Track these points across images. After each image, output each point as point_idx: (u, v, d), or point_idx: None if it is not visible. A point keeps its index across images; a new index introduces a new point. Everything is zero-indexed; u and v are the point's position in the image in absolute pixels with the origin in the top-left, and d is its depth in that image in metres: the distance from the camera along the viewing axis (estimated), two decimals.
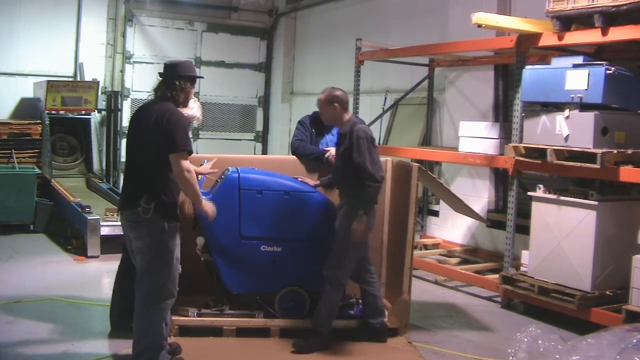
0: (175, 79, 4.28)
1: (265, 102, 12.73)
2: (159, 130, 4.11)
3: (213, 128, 12.27)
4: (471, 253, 7.90)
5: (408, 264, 5.23)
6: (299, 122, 5.62)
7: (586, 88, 5.40)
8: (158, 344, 4.19)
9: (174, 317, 4.81)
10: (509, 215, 6.26)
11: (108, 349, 4.77)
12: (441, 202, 8.08)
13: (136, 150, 4.33)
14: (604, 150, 5.24)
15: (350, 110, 5.05)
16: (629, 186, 5.56)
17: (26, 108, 10.20)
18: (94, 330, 5.17)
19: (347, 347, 4.91)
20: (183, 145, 4.10)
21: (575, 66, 5.52)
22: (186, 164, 4.13)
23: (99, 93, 10.11)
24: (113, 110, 10.38)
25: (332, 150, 5.32)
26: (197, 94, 10.70)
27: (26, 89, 10.32)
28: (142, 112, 4.36)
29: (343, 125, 4.88)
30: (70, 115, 10.04)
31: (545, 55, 6.53)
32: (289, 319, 5.06)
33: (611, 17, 5.25)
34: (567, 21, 5.61)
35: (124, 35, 11.29)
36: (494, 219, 7.54)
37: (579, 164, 5.35)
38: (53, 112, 9.74)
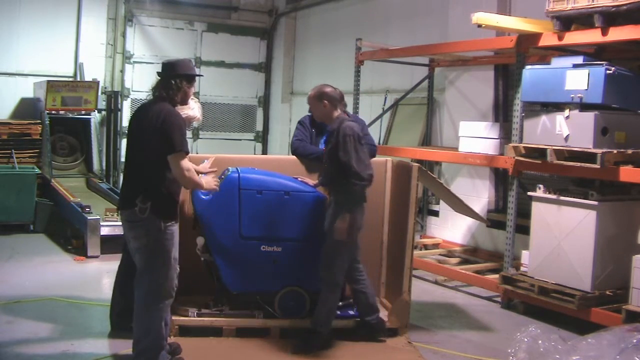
0: (172, 78, 4.27)
1: (265, 102, 12.73)
2: (155, 131, 4.11)
3: (213, 128, 12.27)
4: (471, 253, 7.89)
5: (408, 264, 5.22)
6: (299, 122, 5.62)
7: (586, 88, 5.40)
8: (158, 344, 4.19)
9: (174, 317, 4.81)
10: (509, 215, 6.26)
11: (108, 349, 4.77)
12: (441, 202, 8.08)
13: (134, 151, 4.34)
14: (604, 150, 5.24)
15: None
16: (629, 186, 5.56)
17: (26, 108, 10.20)
18: (94, 330, 5.16)
19: (347, 347, 4.90)
20: (180, 146, 4.10)
21: (575, 66, 5.52)
22: (185, 163, 4.13)
23: (99, 93, 10.11)
24: (113, 110, 10.37)
25: None
26: (197, 94, 10.73)
27: (26, 89, 10.32)
28: (140, 113, 4.36)
29: (332, 123, 4.86)
30: (70, 115, 10.04)
31: (545, 55, 6.53)
32: (289, 319, 5.07)
33: (611, 17, 5.25)
34: (567, 21, 5.61)
35: (124, 35, 11.29)
36: (494, 219, 7.54)
37: (579, 164, 5.35)
38: (53, 112, 9.74)
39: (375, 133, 8.56)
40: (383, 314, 5.28)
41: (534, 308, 5.88)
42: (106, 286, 6.27)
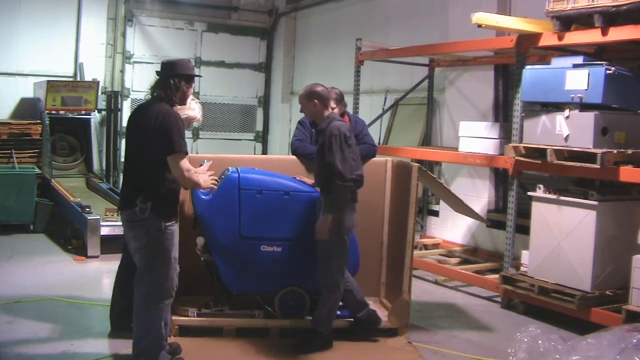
0: (170, 78, 4.27)
1: (265, 102, 12.73)
2: (155, 132, 4.11)
3: (213, 128, 12.27)
4: (471, 253, 7.89)
5: (408, 264, 5.23)
6: (299, 122, 5.61)
7: (586, 88, 5.40)
8: (158, 344, 4.19)
9: (174, 317, 4.81)
10: (509, 215, 6.26)
11: (108, 349, 4.77)
12: (441, 202, 8.08)
13: (133, 151, 4.34)
14: (604, 150, 5.24)
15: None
16: (629, 186, 5.56)
17: (26, 108, 10.20)
18: (94, 330, 5.16)
19: (347, 347, 4.90)
20: (179, 147, 4.10)
21: (575, 66, 5.52)
22: (185, 164, 4.14)
23: (99, 93, 10.12)
24: (113, 110, 10.38)
25: None
26: (197, 94, 10.76)
27: (26, 89, 10.33)
28: (138, 113, 4.37)
29: (323, 122, 4.84)
30: (70, 115, 10.04)
31: (545, 55, 6.53)
32: (289, 319, 5.07)
33: (611, 17, 5.25)
34: (567, 21, 5.61)
35: (124, 35, 11.29)
36: (494, 219, 7.54)
37: (579, 164, 5.35)
38: (53, 112, 9.74)
39: (375, 133, 8.56)
40: (383, 314, 5.28)
41: (534, 308, 5.88)
42: (106, 286, 6.27)
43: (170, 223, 4.19)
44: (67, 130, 10.14)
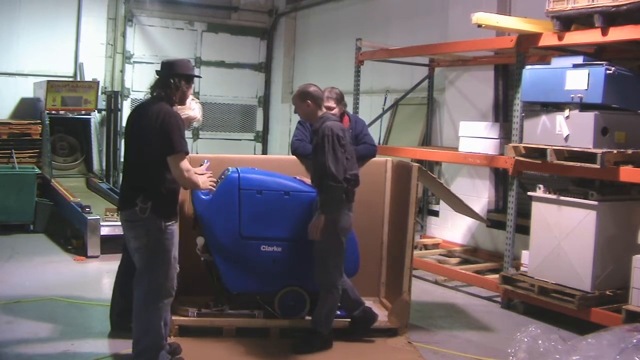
0: (170, 78, 4.27)
1: (265, 102, 12.73)
2: (154, 132, 4.11)
3: (213, 128, 12.27)
4: (471, 253, 7.89)
5: (408, 264, 5.22)
6: (299, 122, 5.61)
7: (586, 88, 5.40)
8: (158, 344, 4.19)
9: (174, 317, 4.81)
10: (509, 215, 6.26)
11: (108, 349, 4.77)
12: (441, 202, 8.08)
13: (133, 151, 4.34)
14: (604, 150, 5.24)
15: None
16: (629, 186, 5.56)
17: (26, 108, 10.21)
18: (94, 330, 5.17)
19: (347, 347, 4.90)
20: (180, 147, 4.10)
21: (575, 66, 5.52)
22: (185, 164, 4.14)
23: (99, 93, 10.12)
24: (113, 110, 10.37)
25: None
26: (197, 94, 10.76)
27: (26, 89, 10.33)
28: (138, 112, 4.36)
29: (317, 122, 4.82)
30: (70, 115, 10.04)
31: (545, 55, 6.53)
32: (289, 319, 5.07)
33: (611, 17, 5.25)
34: (567, 21, 5.61)
35: (124, 35, 11.29)
36: (494, 219, 7.54)
37: (579, 164, 5.35)
38: (53, 112, 9.74)
39: (375, 133, 8.56)
40: (383, 314, 5.28)
41: (534, 308, 5.88)
42: (106, 286, 6.26)
43: (170, 223, 4.19)
44: (67, 130, 10.14)
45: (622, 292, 5.37)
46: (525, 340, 4.13)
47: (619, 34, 5.23)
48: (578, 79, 5.46)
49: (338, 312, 5.00)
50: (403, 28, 9.38)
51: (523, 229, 6.43)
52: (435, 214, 8.62)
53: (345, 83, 8.35)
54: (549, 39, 5.81)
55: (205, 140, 12.11)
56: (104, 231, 7.56)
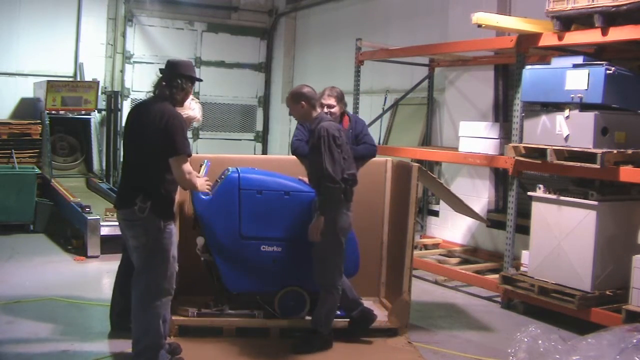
0: (178, 77, 4.27)
1: (265, 102, 12.73)
2: (157, 132, 4.11)
3: (213, 128, 12.27)
4: (471, 253, 7.89)
5: (408, 264, 5.22)
6: (299, 122, 5.60)
7: (586, 88, 5.40)
8: (157, 343, 4.20)
9: (174, 317, 4.81)
10: (509, 215, 6.26)
11: (108, 349, 4.77)
12: (441, 202, 8.08)
13: (133, 150, 4.34)
14: (604, 150, 5.24)
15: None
16: (629, 186, 5.56)
17: (26, 108, 10.21)
18: (94, 330, 5.17)
19: (347, 347, 4.90)
20: (182, 149, 4.10)
21: (575, 66, 5.52)
22: (187, 166, 4.15)
23: (99, 93, 10.12)
24: (113, 110, 10.38)
25: None
26: (197, 94, 10.74)
27: (26, 89, 10.33)
28: (138, 110, 4.36)
29: (312, 123, 4.82)
30: (70, 115, 10.04)
31: (545, 55, 6.53)
32: (289, 319, 5.07)
33: (611, 17, 5.25)
34: (567, 21, 5.61)
35: (124, 35, 11.29)
36: (494, 219, 7.54)
37: (579, 164, 5.35)
38: (53, 112, 9.74)
39: (375, 133, 8.56)
40: (383, 314, 5.28)
41: (534, 308, 5.88)
42: (106, 286, 6.26)
43: (168, 222, 4.20)
44: (67, 130, 10.15)
45: (622, 292, 5.37)
46: (525, 340, 4.13)
47: (619, 34, 5.23)
48: (578, 79, 5.46)
49: (338, 312, 5.00)
50: (403, 28, 9.38)
51: (523, 229, 6.43)
52: (435, 214, 8.62)
53: (345, 83, 8.34)
54: (549, 39, 5.81)
55: (205, 140, 12.12)
56: (104, 231, 7.56)
